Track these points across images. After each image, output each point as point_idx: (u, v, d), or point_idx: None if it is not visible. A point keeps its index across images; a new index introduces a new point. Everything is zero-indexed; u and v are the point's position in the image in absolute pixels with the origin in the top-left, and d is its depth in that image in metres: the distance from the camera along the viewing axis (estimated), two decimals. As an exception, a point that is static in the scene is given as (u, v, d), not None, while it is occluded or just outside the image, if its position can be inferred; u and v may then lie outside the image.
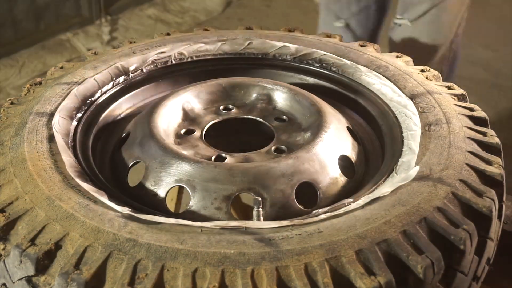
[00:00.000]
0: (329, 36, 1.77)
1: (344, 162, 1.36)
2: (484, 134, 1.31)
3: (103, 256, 0.99)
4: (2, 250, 1.06)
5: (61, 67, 1.60)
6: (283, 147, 1.40)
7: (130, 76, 1.60)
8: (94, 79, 1.52)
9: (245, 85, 1.60)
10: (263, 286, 0.94)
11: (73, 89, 1.46)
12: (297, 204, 1.23)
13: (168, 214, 1.18)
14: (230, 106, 1.57)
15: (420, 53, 2.64)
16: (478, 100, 1.64)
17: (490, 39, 4.63)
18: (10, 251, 1.04)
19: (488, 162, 1.22)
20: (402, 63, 1.60)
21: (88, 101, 1.48)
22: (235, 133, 1.56)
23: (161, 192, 1.26)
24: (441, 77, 1.57)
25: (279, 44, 1.70)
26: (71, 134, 1.38)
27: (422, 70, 1.57)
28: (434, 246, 1.01)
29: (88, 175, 1.23)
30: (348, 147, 1.38)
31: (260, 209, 1.16)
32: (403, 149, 1.30)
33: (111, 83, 1.56)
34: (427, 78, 1.53)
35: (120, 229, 1.04)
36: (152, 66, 1.64)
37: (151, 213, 1.11)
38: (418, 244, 1.02)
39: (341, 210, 1.10)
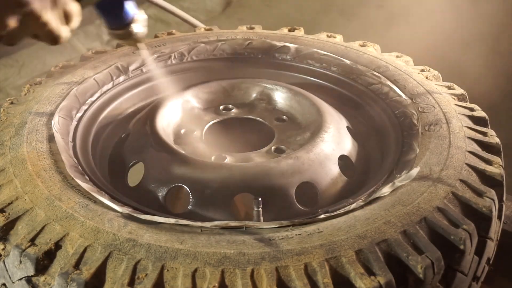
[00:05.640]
0: (329, 36, 1.77)
1: (344, 162, 1.36)
2: (484, 134, 1.31)
3: (103, 256, 0.99)
4: (2, 250, 1.06)
5: (61, 67, 1.60)
6: (283, 147, 1.40)
7: (130, 76, 1.60)
8: (94, 79, 1.52)
9: (245, 85, 1.60)
10: (263, 286, 0.94)
11: (73, 89, 1.46)
12: (297, 204, 1.23)
13: (168, 214, 1.18)
14: (230, 106, 1.57)
15: None
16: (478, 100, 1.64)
17: (490, 38, 4.63)
18: (10, 251, 1.04)
19: (488, 162, 1.22)
20: (402, 63, 1.60)
21: (88, 101, 1.48)
22: (235, 133, 1.56)
23: (161, 192, 1.26)
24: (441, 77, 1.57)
25: (279, 44, 1.70)
26: (71, 134, 1.38)
27: (422, 70, 1.57)
28: (434, 246, 1.01)
29: (88, 175, 1.23)
30: (348, 147, 1.38)
31: (260, 209, 1.16)
32: (403, 149, 1.30)
33: (111, 83, 1.56)
34: (427, 78, 1.53)
35: (120, 229, 1.04)
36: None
37: (151, 213, 1.11)
38: (418, 244, 1.01)
39: (341, 210, 1.10)
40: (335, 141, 1.36)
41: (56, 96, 1.44)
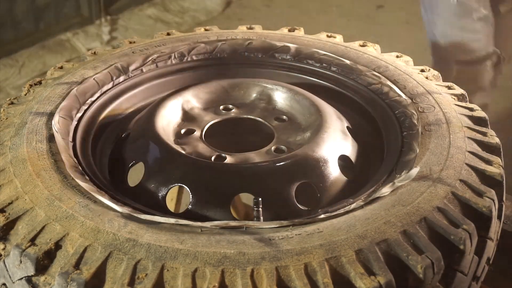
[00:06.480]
0: (329, 36, 1.77)
1: (344, 162, 1.36)
2: (484, 134, 1.31)
3: (103, 256, 0.99)
4: (2, 250, 1.06)
5: (61, 67, 1.60)
6: (283, 147, 1.40)
7: (130, 76, 1.60)
8: (94, 79, 1.52)
9: (245, 85, 1.60)
10: (263, 286, 0.94)
11: (73, 89, 1.46)
12: (297, 204, 1.23)
13: (168, 214, 1.18)
14: (230, 106, 1.57)
15: None
16: (478, 100, 1.64)
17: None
18: (10, 251, 1.04)
19: (488, 162, 1.22)
20: (402, 63, 1.60)
21: (88, 101, 1.48)
22: (235, 133, 1.56)
23: (161, 192, 1.26)
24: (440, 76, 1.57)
25: (279, 44, 1.70)
26: (71, 134, 1.37)
27: (422, 70, 1.57)
28: (434, 246, 1.01)
29: (88, 175, 1.23)
30: (348, 147, 1.38)
31: (260, 209, 1.16)
32: (403, 149, 1.30)
33: (111, 83, 1.56)
34: (427, 78, 1.53)
35: (120, 229, 1.04)
36: (152, 66, 1.64)
37: (151, 213, 1.11)
38: (418, 244, 1.02)
39: (341, 210, 1.10)
40: (335, 141, 1.36)
41: (56, 96, 1.44)
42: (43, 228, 1.05)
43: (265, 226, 1.06)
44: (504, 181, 1.22)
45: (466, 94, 1.47)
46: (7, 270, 1.05)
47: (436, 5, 2.61)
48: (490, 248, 1.17)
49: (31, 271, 1.01)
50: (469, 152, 1.23)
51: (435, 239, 1.03)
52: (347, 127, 1.45)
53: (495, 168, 1.21)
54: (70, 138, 1.36)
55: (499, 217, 1.20)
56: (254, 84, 1.60)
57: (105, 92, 1.54)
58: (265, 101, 1.58)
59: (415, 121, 1.35)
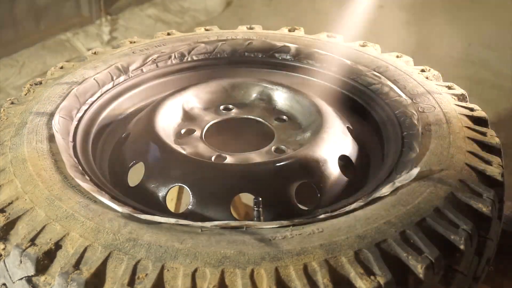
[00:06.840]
0: (329, 36, 1.77)
1: (344, 162, 1.36)
2: (484, 134, 1.31)
3: (103, 256, 0.99)
4: (2, 250, 1.06)
5: (61, 67, 1.60)
6: (283, 147, 1.40)
7: (130, 76, 1.60)
8: (94, 79, 1.52)
9: (245, 85, 1.60)
10: (263, 286, 0.94)
11: (73, 89, 1.46)
12: (297, 204, 1.23)
13: (168, 214, 1.18)
14: (230, 106, 1.57)
15: None
16: (478, 100, 1.64)
17: (490, 39, 4.63)
18: (10, 251, 1.04)
19: (488, 162, 1.22)
20: (402, 63, 1.60)
21: (88, 101, 1.48)
22: (235, 133, 1.56)
23: (161, 192, 1.26)
24: (441, 77, 1.57)
25: (279, 44, 1.70)
26: (71, 134, 1.38)
27: (422, 70, 1.57)
28: (434, 246, 1.01)
29: (88, 175, 1.23)
30: (348, 147, 1.38)
31: (260, 209, 1.16)
32: (403, 149, 1.30)
33: (111, 83, 1.56)
34: (427, 78, 1.53)
35: (120, 229, 1.04)
36: (152, 66, 1.64)
37: (151, 213, 1.11)
38: (418, 244, 1.02)
39: (341, 210, 1.10)
40: (335, 141, 1.36)
41: (56, 96, 1.44)
42: (43, 228, 1.05)
43: (265, 226, 1.06)
44: (504, 181, 1.22)
45: (466, 94, 1.47)
46: (7, 270, 1.05)
47: None
48: (490, 248, 1.17)
49: (31, 271, 1.01)
50: (469, 152, 1.23)
51: (435, 239, 1.03)
52: (347, 127, 1.45)
53: (495, 168, 1.21)
54: (70, 138, 1.36)
55: (499, 217, 1.20)
56: (254, 84, 1.60)
57: (105, 92, 1.54)
58: (265, 101, 1.58)
59: (415, 121, 1.35)
